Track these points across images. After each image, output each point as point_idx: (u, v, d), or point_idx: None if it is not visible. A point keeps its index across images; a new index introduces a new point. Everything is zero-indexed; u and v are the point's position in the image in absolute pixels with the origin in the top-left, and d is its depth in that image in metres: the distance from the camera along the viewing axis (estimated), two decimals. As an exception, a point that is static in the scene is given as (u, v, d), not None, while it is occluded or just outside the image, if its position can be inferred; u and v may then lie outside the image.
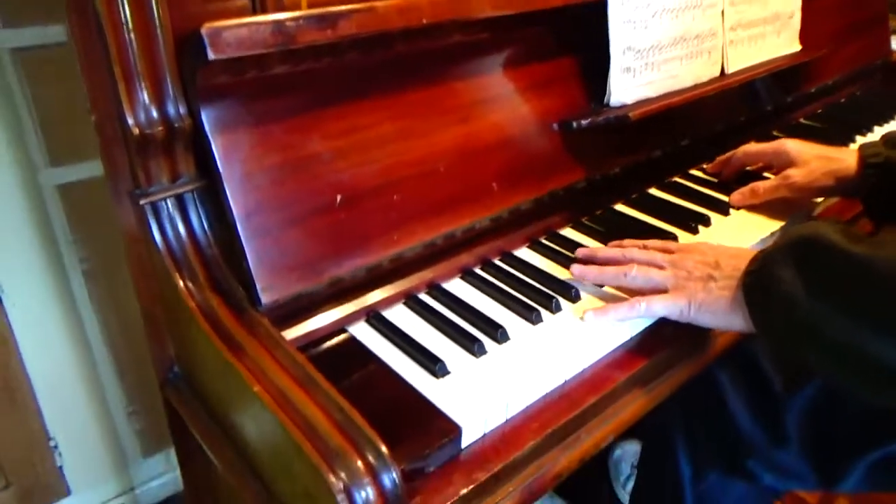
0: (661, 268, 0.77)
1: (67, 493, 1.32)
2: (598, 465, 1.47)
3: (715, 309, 0.72)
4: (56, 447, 1.27)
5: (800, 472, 0.82)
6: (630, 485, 1.38)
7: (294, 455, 0.55)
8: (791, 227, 0.71)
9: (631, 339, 0.78)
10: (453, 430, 0.62)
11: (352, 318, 0.75)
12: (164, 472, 1.39)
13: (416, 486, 0.59)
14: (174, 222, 0.64)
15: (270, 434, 0.58)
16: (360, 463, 0.53)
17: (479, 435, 0.65)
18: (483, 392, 0.67)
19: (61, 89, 1.08)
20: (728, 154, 1.09)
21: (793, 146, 1.00)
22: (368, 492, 0.52)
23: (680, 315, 0.74)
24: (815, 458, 0.80)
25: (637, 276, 0.77)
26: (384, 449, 0.54)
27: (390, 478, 0.53)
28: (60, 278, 1.18)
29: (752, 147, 1.07)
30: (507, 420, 0.67)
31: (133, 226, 0.66)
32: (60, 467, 1.29)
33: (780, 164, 1.01)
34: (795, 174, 0.96)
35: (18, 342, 1.18)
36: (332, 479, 0.52)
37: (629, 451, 1.44)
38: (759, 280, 0.68)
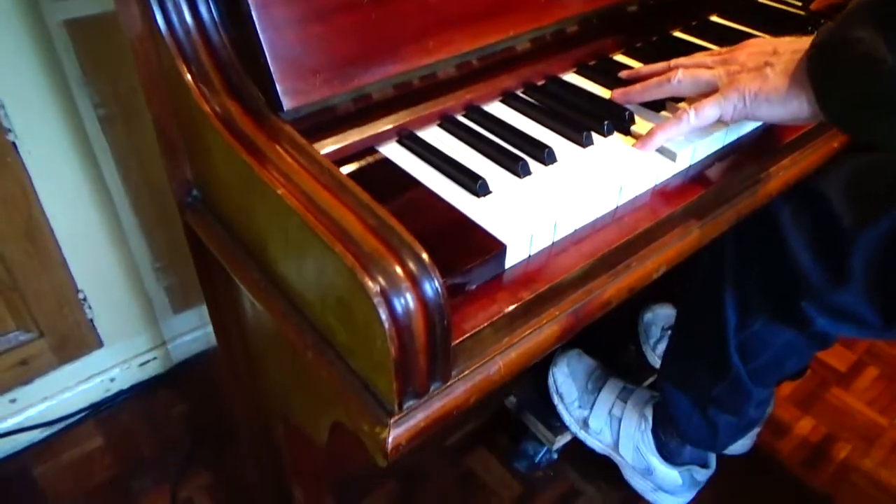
0: (709, 68, 0.67)
1: (100, 344, 1.31)
2: (625, 329, 1.43)
3: (773, 96, 0.62)
4: (85, 300, 1.25)
5: (861, 314, 0.75)
6: (661, 347, 1.34)
7: (325, 260, 0.49)
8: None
9: (690, 166, 0.69)
10: (497, 246, 0.55)
11: (382, 137, 0.66)
12: (196, 328, 1.36)
13: (457, 301, 0.53)
14: (180, 8, 0.55)
15: (298, 241, 0.52)
16: (398, 268, 0.46)
17: (524, 256, 0.58)
18: (529, 211, 0.59)
19: None
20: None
21: None
22: (408, 298, 0.46)
23: (734, 112, 0.64)
24: (882, 297, 0.73)
25: (683, 79, 0.68)
26: (425, 256, 0.47)
27: (432, 286, 0.46)
28: (76, 125, 1.10)
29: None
30: (553, 242, 0.60)
31: (137, 20, 0.57)
32: (91, 320, 1.27)
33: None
34: None
35: (38, 192, 1.12)
36: (369, 281, 0.45)
37: (660, 315, 1.39)
38: (828, 49, 0.58)
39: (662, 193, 0.67)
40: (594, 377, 1.24)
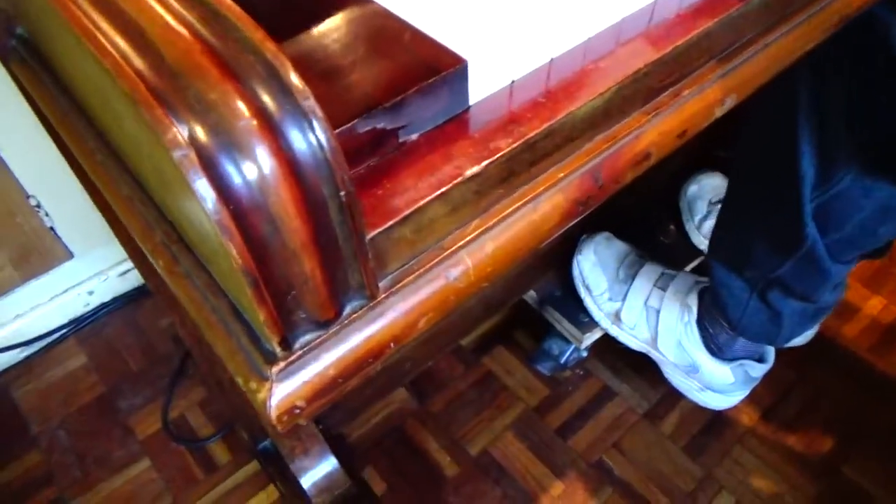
0: None
1: (70, 255, 1.13)
2: (664, 205, 1.17)
3: None
4: (39, 206, 1.05)
5: None
6: (707, 224, 1.09)
7: (110, 91, 0.25)
8: None
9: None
10: (452, 62, 0.31)
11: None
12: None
13: (385, 164, 0.30)
14: None
15: (79, 59, 0.28)
16: (236, 99, 0.22)
17: (504, 81, 0.33)
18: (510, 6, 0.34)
19: None
20: None
21: None
22: (258, 154, 0.22)
23: None
24: None
25: None
26: (292, 75, 0.23)
27: (309, 129, 0.23)
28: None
29: None
30: (553, 59, 0.35)
31: None
32: (52, 228, 1.08)
33: None
34: None
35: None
36: (167, 122, 0.22)
37: (707, 186, 1.13)
38: None
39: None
40: (627, 263, 1.00)
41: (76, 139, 0.38)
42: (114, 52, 0.23)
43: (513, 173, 0.32)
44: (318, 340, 0.28)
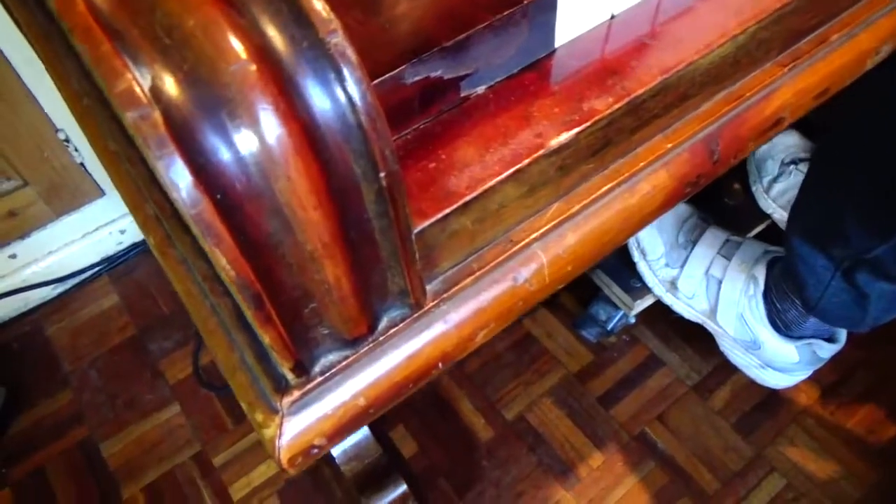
0: None
1: (101, 193, 1.08)
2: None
3: None
4: (68, 140, 0.99)
5: None
6: (778, 186, 0.98)
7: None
8: None
9: None
10: None
11: None
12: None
13: (430, 127, 0.22)
14: None
15: None
16: (226, 32, 0.14)
17: (604, 14, 0.24)
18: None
19: None
20: None
21: None
22: (262, 117, 0.15)
23: None
24: None
25: None
26: None
27: (332, 74, 0.15)
28: None
29: None
30: None
31: None
32: (82, 164, 1.03)
33: None
34: None
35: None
36: (119, 79, 0.14)
37: (778, 145, 1.01)
38: None
39: None
40: (687, 227, 0.91)
41: (61, 78, 0.30)
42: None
43: (609, 142, 0.23)
44: (344, 363, 0.21)
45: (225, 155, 0.14)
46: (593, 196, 0.23)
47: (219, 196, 0.15)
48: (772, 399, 0.96)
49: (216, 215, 0.15)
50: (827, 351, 0.85)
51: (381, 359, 0.21)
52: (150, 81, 0.14)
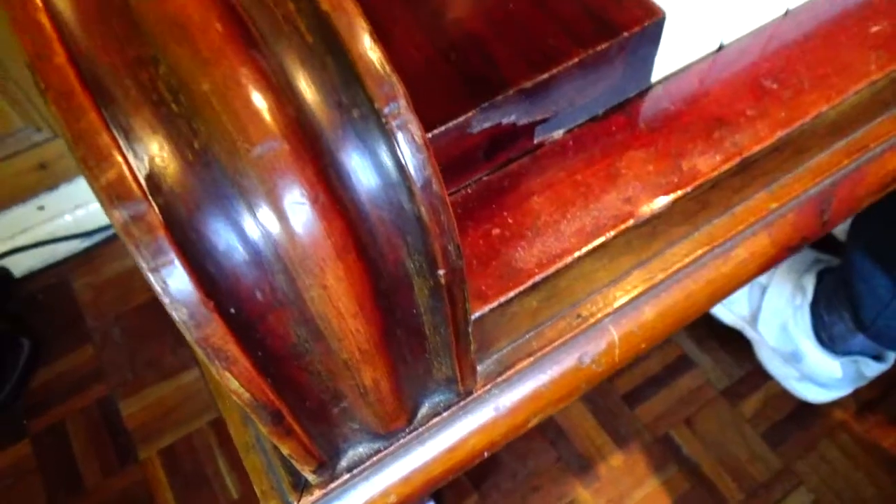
0: None
1: (130, 149, 1.05)
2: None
3: None
4: (98, 94, 0.96)
5: None
6: None
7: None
8: None
9: None
10: (646, 15, 0.18)
11: None
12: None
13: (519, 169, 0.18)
14: None
15: None
16: (251, 94, 0.11)
17: (710, 46, 0.20)
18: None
19: None
20: None
21: None
22: (290, 208, 0.11)
23: None
24: None
25: None
26: (368, 53, 0.11)
27: (383, 144, 0.11)
28: None
29: None
30: (789, 9, 0.21)
31: None
32: (111, 119, 1.00)
33: None
34: None
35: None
36: (104, 161, 0.10)
37: None
38: None
39: None
40: (736, 227, 0.85)
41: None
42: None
43: (706, 206, 0.19)
44: (375, 458, 0.17)
45: (243, 259, 0.11)
46: (680, 265, 0.20)
47: (232, 310, 0.11)
48: (805, 410, 0.92)
49: (228, 335, 0.11)
50: (873, 370, 0.80)
51: (417, 450, 0.18)
52: (147, 166, 0.10)
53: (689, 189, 0.17)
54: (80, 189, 1.05)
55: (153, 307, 1.04)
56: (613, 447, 0.90)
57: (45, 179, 1.02)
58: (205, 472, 0.91)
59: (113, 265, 1.08)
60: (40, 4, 0.10)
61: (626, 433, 0.91)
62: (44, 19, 0.10)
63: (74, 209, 1.06)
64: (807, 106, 0.18)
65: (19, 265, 1.06)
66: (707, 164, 0.18)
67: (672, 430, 0.91)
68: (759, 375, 0.92)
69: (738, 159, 0.18)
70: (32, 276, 1.07)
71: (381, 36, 0.11)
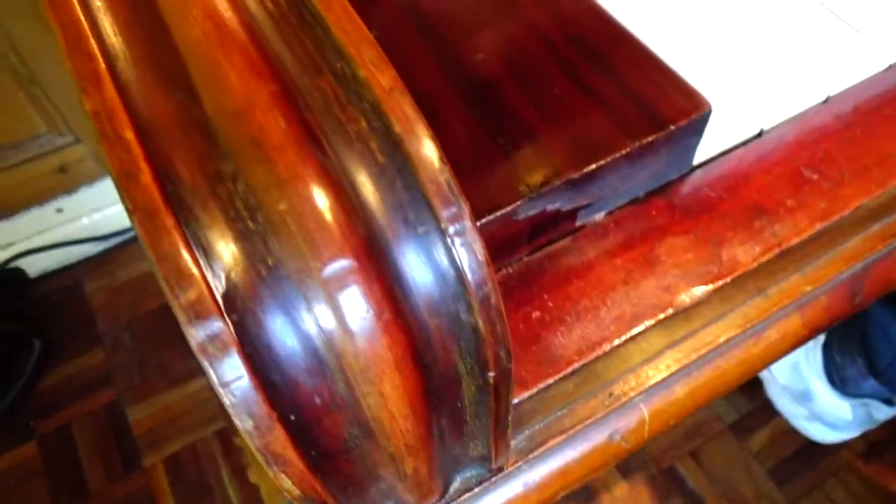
0: None
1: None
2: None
3: None
4: (121, 101, 0.97)
5: None
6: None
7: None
8: None
9: None
10: (693, 108, 0.18)
11: None
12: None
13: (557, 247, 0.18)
14: None
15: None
16: (322, 216, 0.11)
17: (751, 131, 0.20)
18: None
19: None
20: None
21: None
22: (354, 323, 0.11)
23: None
24: None
25: None
26: (437, 173, 0.11)
27: (442, 252, 0.12)
28: None
29: None
30: (830, 97, 0.21)
31: None
32: (133, 126, 1.01)
33: None
34: None
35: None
36: (186, 287, 0.11)
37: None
38: None
39: None
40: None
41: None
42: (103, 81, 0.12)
43: (741, 288, 0.19)
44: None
45: (305, 367, 0.11)
46: (713, 346, 0.20)
47: (292, 417, 0.11)
48: (813, 449, 0.91)
49: (287, 441, 0.11)
50: (884, 413, 0.80)
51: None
52: (223, 284, 0.10)
53: (728, 280, 0.18)
54: (98, 193, 1.06)
55: (165, 313, 1.05)
56: (618, 477, 0.90)
57: (65, 182, 1.03)
58: (208, 481, 0.91)
59: (127, 269, 1.09)
60: (126, 119, 0.11)
61: (631, 464, 0.91)
62: (130, 136, 0.11)
63: (92, 212, 1.07)
64: (847, 199, 0.19)
65: (34, 266, 1.06)
66: (747, 254, 0.18)
67: (677, 462, 0.91)
68: (767, 410, 0.92)
69: (777, 250, 0.18)
70: (47, 277, 1.08)
71: (426, 113, 0.12)
